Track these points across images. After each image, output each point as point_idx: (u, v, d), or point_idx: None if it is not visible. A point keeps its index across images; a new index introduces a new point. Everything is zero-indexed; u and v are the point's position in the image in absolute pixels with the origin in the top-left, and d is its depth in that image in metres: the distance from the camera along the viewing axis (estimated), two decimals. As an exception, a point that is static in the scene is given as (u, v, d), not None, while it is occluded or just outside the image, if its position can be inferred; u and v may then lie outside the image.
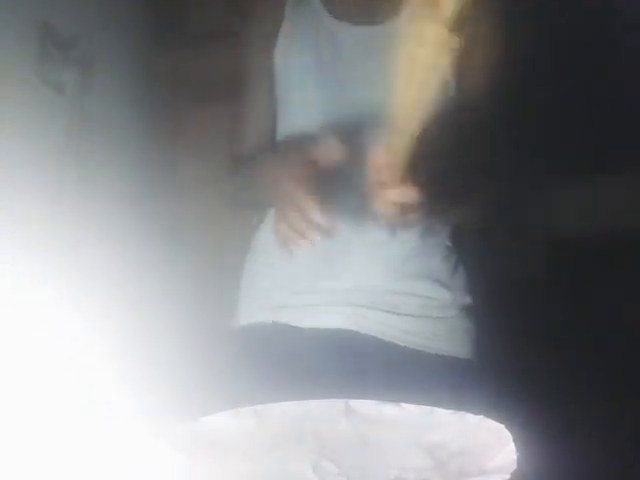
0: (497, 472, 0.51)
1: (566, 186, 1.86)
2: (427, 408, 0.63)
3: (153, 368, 1.34)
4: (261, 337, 0.97)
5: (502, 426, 0.56)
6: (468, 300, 1.00)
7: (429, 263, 0.98)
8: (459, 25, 0.90)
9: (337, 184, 0.78)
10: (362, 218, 0.88)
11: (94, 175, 1.51)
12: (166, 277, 1.61)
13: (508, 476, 0.49)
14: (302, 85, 1.00)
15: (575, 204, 1.87)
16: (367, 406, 0.65)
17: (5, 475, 0.57)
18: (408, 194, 0.72)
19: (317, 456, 0.57)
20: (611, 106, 1.76)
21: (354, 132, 0.88)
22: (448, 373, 0.91)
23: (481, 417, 0.59)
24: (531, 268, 1.74)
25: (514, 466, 0.50)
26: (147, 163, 1.78)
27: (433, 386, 0.79)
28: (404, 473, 0.54)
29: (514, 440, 0.54)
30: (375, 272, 0.95)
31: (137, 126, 1.78)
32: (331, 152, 0.76)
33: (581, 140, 1.79)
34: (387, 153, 0.73)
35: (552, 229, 1.82)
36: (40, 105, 1.37)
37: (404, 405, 0.64)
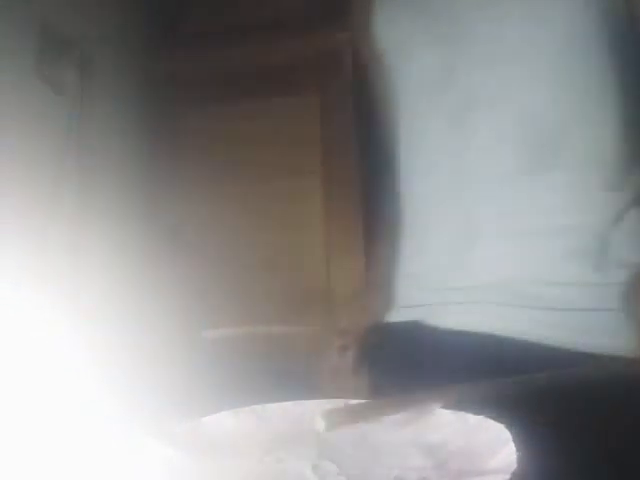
0: (497, 472, 0.50)
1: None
2: (428, 408, 0.63)
3: (153, 369, 1.34)
4: (406, 337, 0.88)
5: (502, 426, 0.56)
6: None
7: (584, 240, 0.80)
8: None
9: None
10: None
11: (94, 175, 1.51)
12: (166, 278, 1.60)
13: (508, 476, 0.49)
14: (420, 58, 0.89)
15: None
16: (367, 405, 0.65)
17: (2, 475, 0.57)
18: None
19: (317, 456, 0.57)
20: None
21: None
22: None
23: (481, 417, 0.59)
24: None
25: (514, 466, 0.50)
26: (147, 163, 1.78)
27: (596, 393, 0.67)
28: (404, 473, 0.54)
29: (514, 440, 0.53)
30: (512, 262, 0.81)
31: (137, 126, 1.78)
32: None
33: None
34: None
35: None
36: (40, 105, 1.37)
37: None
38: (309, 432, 0.61)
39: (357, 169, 1.70)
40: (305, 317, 1.63)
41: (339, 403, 0.65)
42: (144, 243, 1.66)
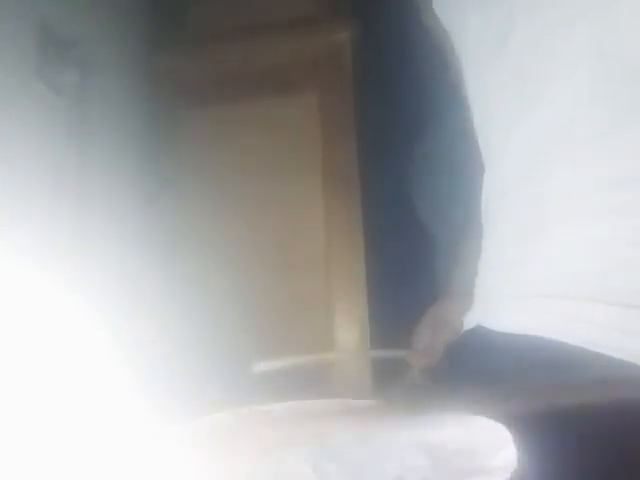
0: (497, 472, 0.50)
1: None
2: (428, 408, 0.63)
3: (153, 369, 1.34)
4: (470, 346, 0.75)
5: (502, 426, 0.56)
6: None
7: None
8: None
9: None
10: None
11: (94, 176, 1.51)
12: (165, 279, 1.61)
13: (508, 476, 0.49)
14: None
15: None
16: (367, 406, 0.65)
17: (5, 473, 0.57)
18: None
19: (317, 456, 0.57)
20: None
21: None
22: None
23: (481, 417, 0.59)
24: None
25: (514, 466, 0.50)
26: (147, 164, 1.78)
27: None
28: (404, 473, 0.54)
29: (514, 440, 0.53)
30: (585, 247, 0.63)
31: (137, 127, 1.78)
32: None
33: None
34: None
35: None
36: (39, 106, 1.37)
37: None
38: (310, 432, 0.61)
39: (358, 168, 1.70)
40: (306, 318, 1.63)
41: (339, 403, 0.65)
42: (144, 243, 1.66)
